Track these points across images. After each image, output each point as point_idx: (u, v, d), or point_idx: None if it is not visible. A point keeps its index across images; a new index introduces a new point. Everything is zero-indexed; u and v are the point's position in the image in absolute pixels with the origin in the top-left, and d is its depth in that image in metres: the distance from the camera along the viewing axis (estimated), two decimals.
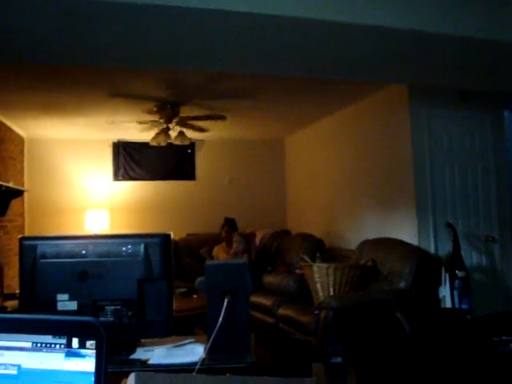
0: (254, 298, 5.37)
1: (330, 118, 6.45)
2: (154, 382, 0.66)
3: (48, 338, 0.69)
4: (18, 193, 5.66)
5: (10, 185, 5.25)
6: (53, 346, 0.69)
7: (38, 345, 0.69)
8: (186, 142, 6.01)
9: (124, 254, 1.96)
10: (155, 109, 5.38)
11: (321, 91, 5.20)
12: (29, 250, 1.93)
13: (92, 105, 5.40)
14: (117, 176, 7.42)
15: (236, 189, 7.77)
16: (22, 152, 6.88)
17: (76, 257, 1.95)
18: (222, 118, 5.66)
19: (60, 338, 0.69)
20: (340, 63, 3.69)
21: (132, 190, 7.47)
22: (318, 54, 3.38)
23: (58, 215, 6.95)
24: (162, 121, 5.51)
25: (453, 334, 0.76)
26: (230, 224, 6.52)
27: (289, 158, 8.08)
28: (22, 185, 6.66)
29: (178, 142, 5.85)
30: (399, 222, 5.01)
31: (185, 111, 5.54)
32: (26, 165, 6.98)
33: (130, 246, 1.96)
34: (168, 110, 5.33)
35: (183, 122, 5.62)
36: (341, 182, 6.26)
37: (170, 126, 5.57)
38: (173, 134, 5.75)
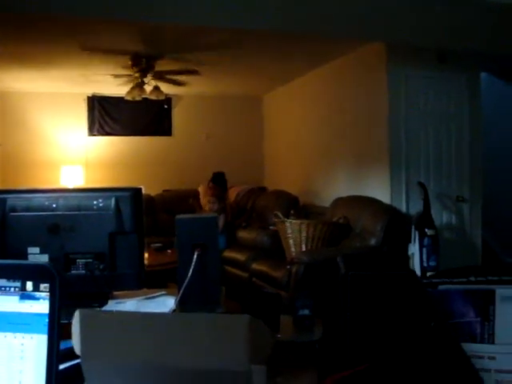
0: (229, 253, 5.46)
1: (308, 76, 6.41)
2: (98, 319, 0.69)
3: (3, 282, 0.71)
4: None
5: None
6: (7, 289, 0.71)
7: None
8: (162, 97, 5.93)
9: (95, 207, 1.96)
10: (130, 62, 5.27)
11: (298, 49, 5.15)
12: None
13: (65, 57, 5.26)
14: (92, 131, 7.32)
15: (213, 145, 7.74)
16: None
17: (47, 210, 1.94)
18: (194, 72, 5.60)
19: (14, 281, 0.71)
20: (317, 18, 3.65)
21: (108, 145, 7.39)
22: (296, 7, 3.34)
23: (32, 171, 6.86)
24: (136, 75, 5.41)
25: (383, 275, 0.80)
26: (217, 179, 6.54)
27: (267, 116, 8.05)
28: None
29: (153, 97, 5.77)
30: (373, 181, 5.08)
31: (160, 65, 5.44)
32: None
33: (100, 200, 1.96)
34: (143, 64, 5.23)
35: (158, 76, 5.52)
36: (317, 140, 6.28)
37: (145, 80, 5.47)
38: (148, 88, 5.66)
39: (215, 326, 0.68)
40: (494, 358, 0.80)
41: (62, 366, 1.03)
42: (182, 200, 6.91)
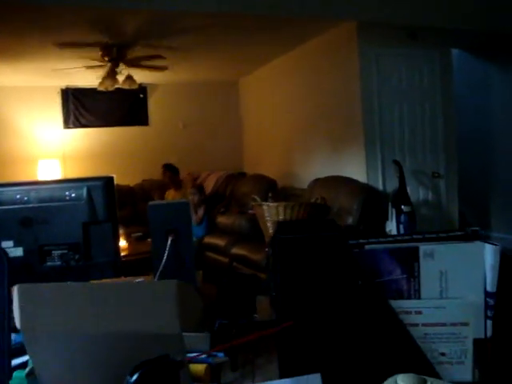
0: (209, 239, 5.49)
1: (282, 58, 6.41)
2: (35, 292, 0.71)
3: None
4: None
5: None
6: None
7: None
8: (135, 86, 5.88)
9: (67, 198, 1.97)
10: (100, 52, 5.21)
11: (271, 31, 5.13)
12: None
13: (36, 50, 5.17)
14: (67, 123, 7.25)
15: (191, 132, 7.73)
16: None
17: (19, 203, 1.94)
18: (163, 68, 5.62)
19: None
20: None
21: (84, 137, 7.33)
22: None
23: (9, 166, 6.76)
24: (108, 64, 5.34)
25: (311, 238, 0.84)
26: (171, 169, 6.60)
27: (244, 100, 8.04)
28: None
29: (126, 86, 5.72)
30: (349, 160, 5.13)
31: (132, 53, 5.39)
32: None
33: (72, 191, 1.96)
34: (113, 53, 5.17)
35: (130, 65, 5.47)
36: (294, 123, 6.30)
37: (117, 69, 5.41)
38: (120, 78, 5.60)
39: (145, 291, 0.71)
40: (420, 313, 0.83)
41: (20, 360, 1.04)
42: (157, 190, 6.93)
